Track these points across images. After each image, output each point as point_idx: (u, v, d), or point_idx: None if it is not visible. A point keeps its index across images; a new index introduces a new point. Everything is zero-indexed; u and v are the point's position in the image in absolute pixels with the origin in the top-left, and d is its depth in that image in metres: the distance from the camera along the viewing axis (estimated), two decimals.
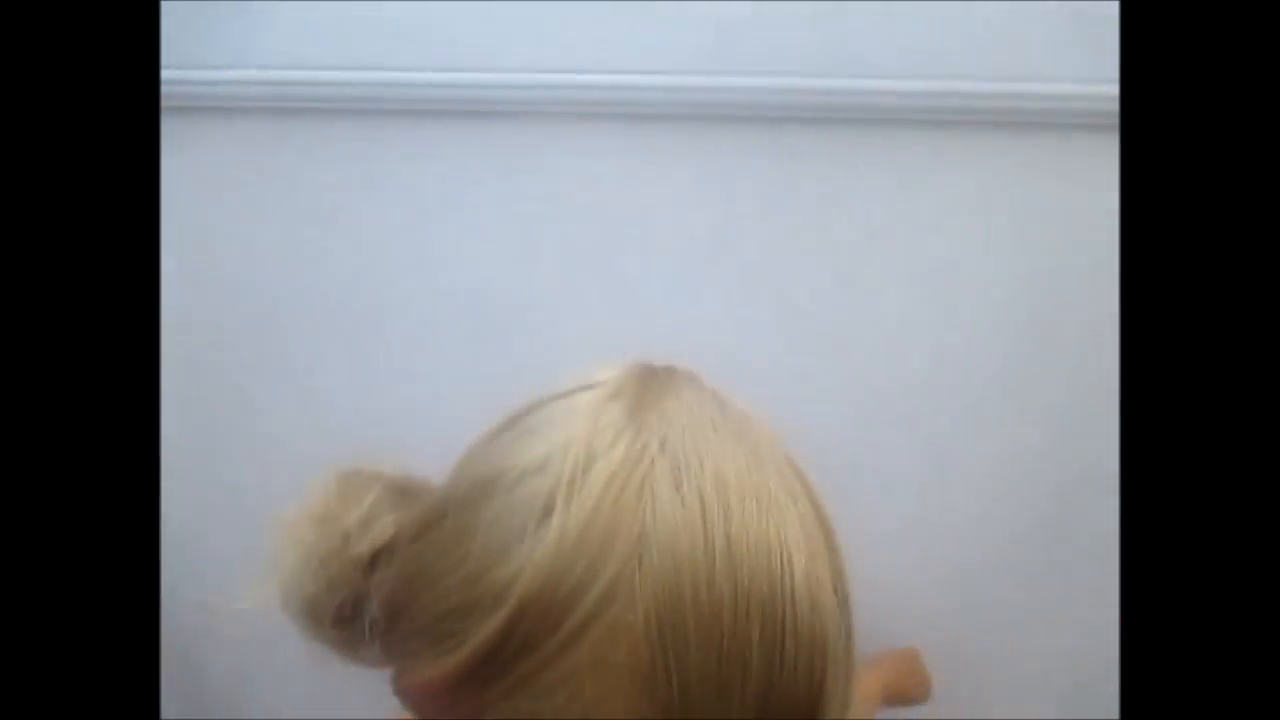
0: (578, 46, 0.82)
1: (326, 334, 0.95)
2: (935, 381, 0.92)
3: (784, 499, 0.38)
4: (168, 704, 1.02)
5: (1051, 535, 0.99)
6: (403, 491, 0.45)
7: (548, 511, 0.36)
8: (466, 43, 0.83)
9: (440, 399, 0.93)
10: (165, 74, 0.81)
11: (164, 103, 0.81)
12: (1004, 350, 0.92)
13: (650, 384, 0.41)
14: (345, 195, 0.90)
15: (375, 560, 0.43)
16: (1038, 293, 0.90)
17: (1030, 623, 1.01)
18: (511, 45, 0.83)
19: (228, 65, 0.86)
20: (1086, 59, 0.79)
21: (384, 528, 0.43)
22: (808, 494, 0.40)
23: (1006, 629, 1.02)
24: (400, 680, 0.41)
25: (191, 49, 0.85)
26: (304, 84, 0.86)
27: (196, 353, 0.96)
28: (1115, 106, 0.78)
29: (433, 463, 0.44)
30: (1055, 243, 0.88)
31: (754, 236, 0.88)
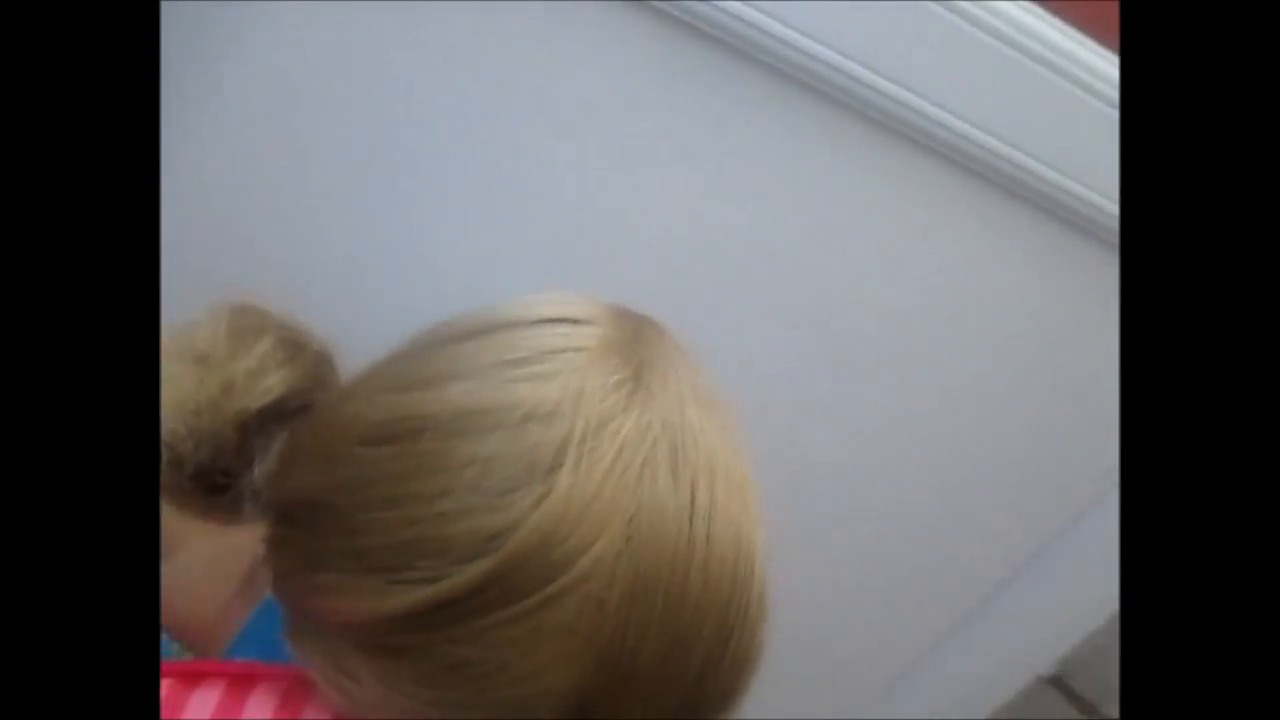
0: None
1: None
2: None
3: (754, 496, 0.38)
4: None
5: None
6: (297, 345, 0.41)
7: (555, 466, 0.34)
8: None
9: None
10: None
11: None
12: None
13: (641, 339, 0.39)
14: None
15: (261, 421, 0.39)
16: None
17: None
18: None
19: None
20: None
21: (273, 385, 0.40)
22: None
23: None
24: (312, 599, 0.37)
25: None
26: None
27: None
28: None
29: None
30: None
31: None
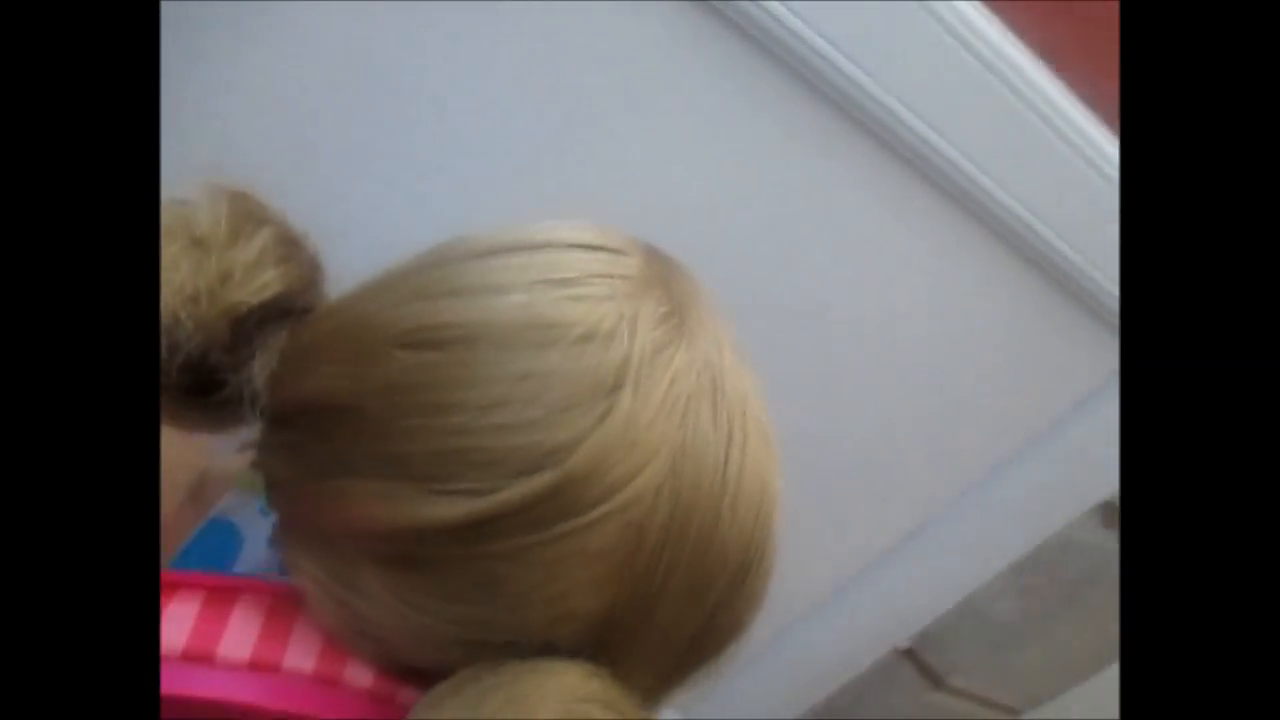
0: None
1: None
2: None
3: (775, 445, 0.39)
4: None
5: None
6: (294, 244, 0.40)
7: (616, 387, 0.34)
8: None
9: None
10: None
11: None
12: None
13: (673, 276, 0.39)
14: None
15: (261, 319, 0.37)
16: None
17: None
18: None
19: None
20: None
21: (271, 281, 0.38)
22: None
23: None
24: (324, 506, 0.35)
25: None
26: None
27: None
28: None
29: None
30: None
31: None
